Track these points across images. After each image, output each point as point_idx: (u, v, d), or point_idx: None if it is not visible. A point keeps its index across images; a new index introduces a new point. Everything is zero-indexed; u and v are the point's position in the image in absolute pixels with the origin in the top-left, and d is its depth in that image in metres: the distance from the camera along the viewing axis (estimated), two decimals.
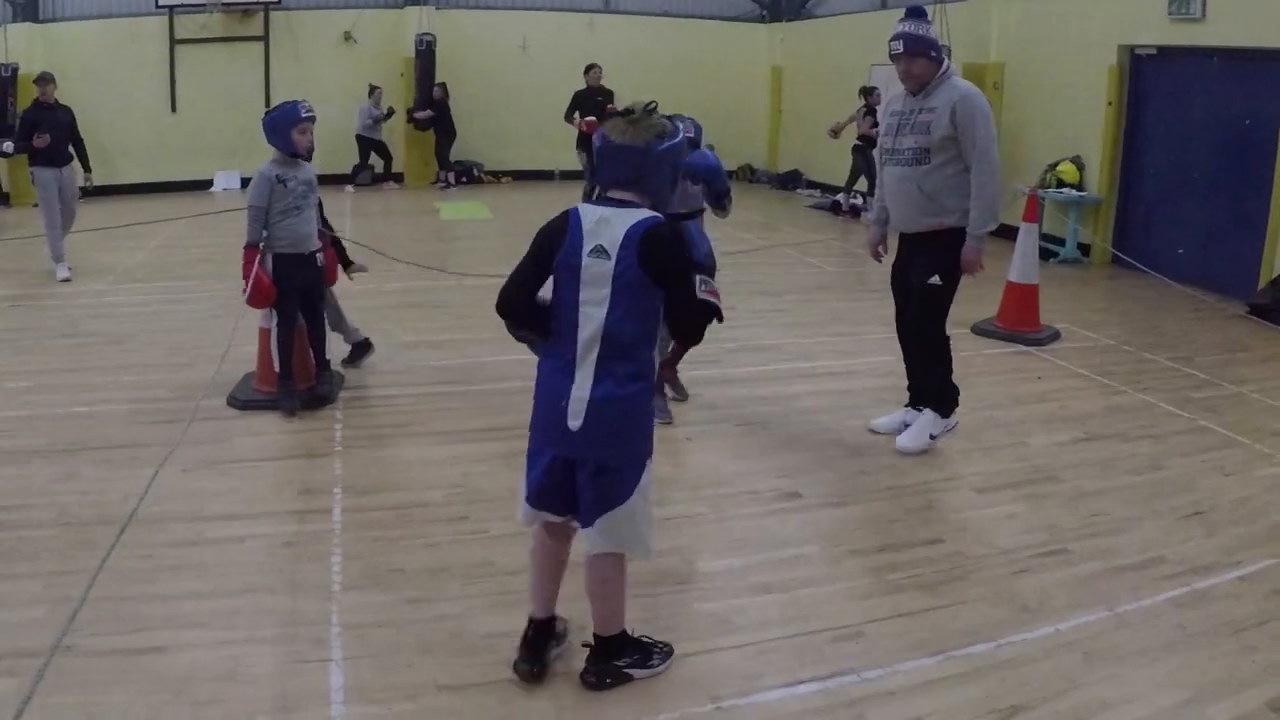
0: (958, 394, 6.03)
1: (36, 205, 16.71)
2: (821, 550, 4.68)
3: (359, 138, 18.34)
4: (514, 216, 14.59)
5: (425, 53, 18.57)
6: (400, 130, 18.90)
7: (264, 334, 6.68)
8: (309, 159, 6.48)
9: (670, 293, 3.29)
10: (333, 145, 18.31)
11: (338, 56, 18.81)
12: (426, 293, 9.91)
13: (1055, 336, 8.52)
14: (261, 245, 6.35)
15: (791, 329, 8.78)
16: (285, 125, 6.29)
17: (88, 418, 6.38)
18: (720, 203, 6.29)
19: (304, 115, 6.31)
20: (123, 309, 9.41)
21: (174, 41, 18.21)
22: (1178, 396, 7.03)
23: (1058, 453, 5.95)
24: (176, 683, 3.55)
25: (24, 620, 3.97)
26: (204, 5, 17.84)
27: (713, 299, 3.34)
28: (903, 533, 4.87)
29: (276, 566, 4.47)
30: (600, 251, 3.27)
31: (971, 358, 7.73)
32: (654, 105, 3.42)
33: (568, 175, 18.81)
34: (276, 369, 6.53)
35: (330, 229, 6.98)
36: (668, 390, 6.51)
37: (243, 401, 6.62)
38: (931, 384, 5.98)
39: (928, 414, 5.94)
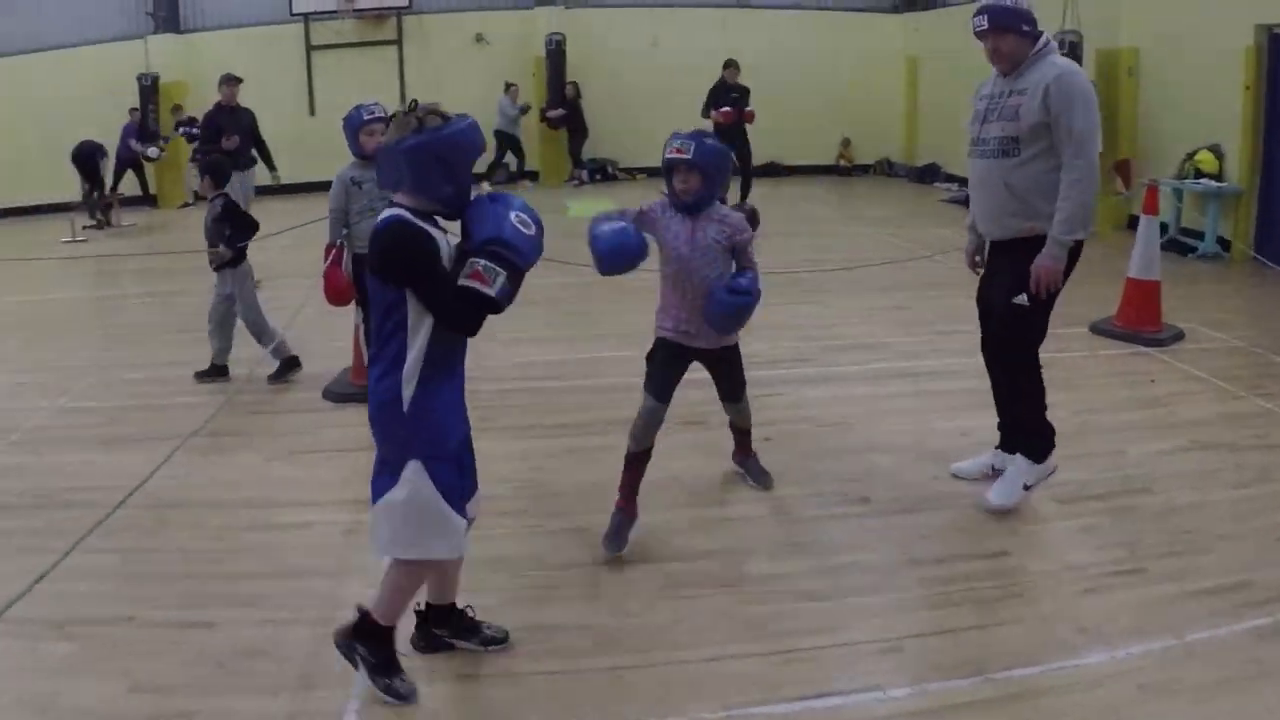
0: (1053, 433, 5.00)
1: (186, 205, 17.59)
2: (879, 558, 4.53)
3: (497, 133, 18.61)
4: None
5: (555, 52, 18.80)
6: (534, 129, 19.15)
7: (357, 330, 6.80)
8: (373, 158, 6.51)
9: (411, 291, 3.15)
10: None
11: (470, 58, 19.19)
12: (537, 289, 9.93)
13: (1178, 337, 8.05)
14: (342, 245, 6.46)
15: (901, 327, 8.53)
16: (353, 129, 6.43)
17: (190, 408, 6.66)
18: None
19: (367, 118, 6.40)
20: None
21: (310, 47, 18.83)
22: None
23: (1156, 462, 5.60)
24: (216, 656, 3.78)
25: (96, 591, 4.31)
26: (336, 12, 18.35)
27: (475, 284, 3.13)
28: (967, 544, 4.65)
29: (332, 552, 4.64)
30: None
31: (1084, 358, 7.43)
32: (415, 104, 3.27)
33: None
34: (365, 364, 6.63)
35: None
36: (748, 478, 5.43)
37: (336, 395, 6.85)
38: (1021, 423, 5.09)
39: (1020, 462, 4.99)
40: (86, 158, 15.91)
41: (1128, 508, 5.00)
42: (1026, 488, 4.93)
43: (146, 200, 18.14)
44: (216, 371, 7.38)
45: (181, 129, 17.00)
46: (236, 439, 6.15)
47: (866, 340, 8.11)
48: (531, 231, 3.23)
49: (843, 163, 20.71)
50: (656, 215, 4.66)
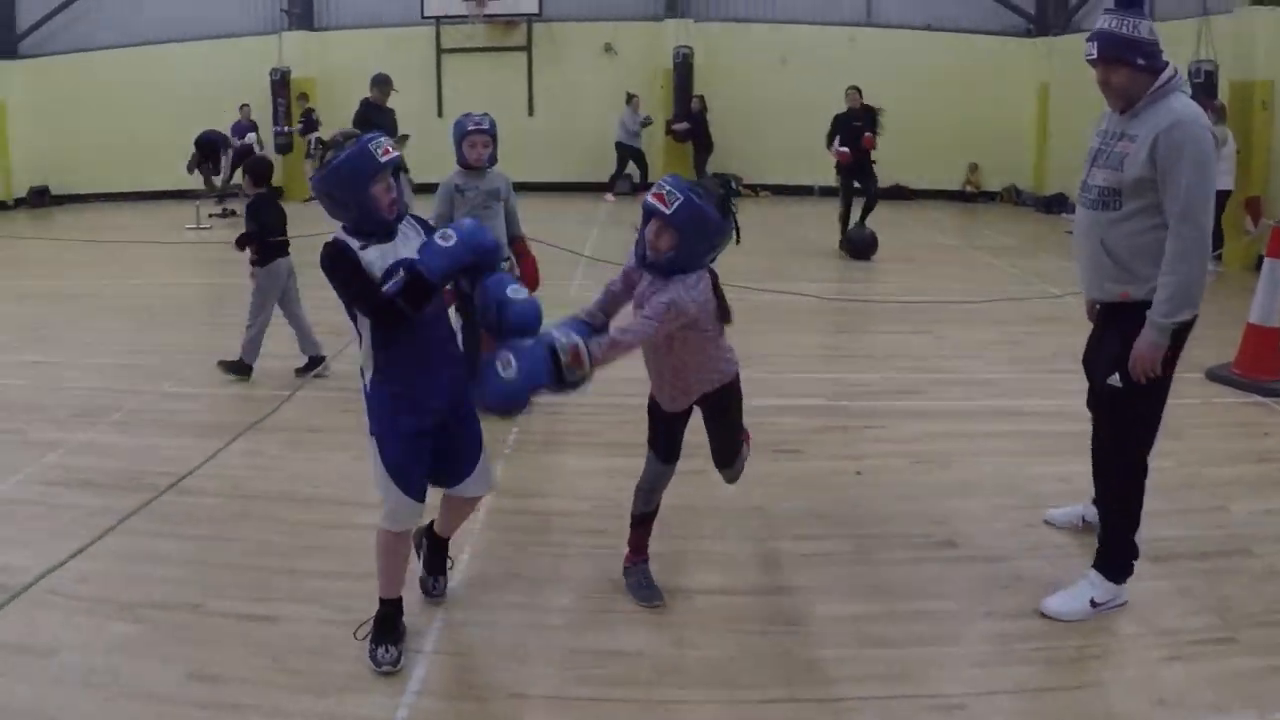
0: (1136, 556, 4.33)
1: (311, 199, 17.96)
2: (956, 608, 4.30)
3: (618, 145, 18.71)
4: (757, 230, 14.42)
5: (682, 65, 18.81)
6: (658, 141, 19.16)
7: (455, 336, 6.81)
8: (484, 168, 6.50)
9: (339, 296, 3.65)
10: (593, 154, 18.85)
11: (598, 67, 19.32)
12: None
13: None
14: None
15: (1013, 363, 8.25)
16: (456, 138, 6.45)
17: (287, 400, 6.83)
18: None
19: (470, 128, 6.41)
20: None
21: (440, 50, 19.14)
22: None
23: (1261, 522, 5.24)
24: (274, 651, 3.84)
25: (168, 575, 4.43)
26: (467, 17, 18.61)
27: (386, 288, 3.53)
28: None
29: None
30: None
31: (1197, 406, 7.06)
32: (337, 136, 3.68)
33: (827, 191, 18.51)
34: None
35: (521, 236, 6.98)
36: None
37: None
38: (1105, 527, 4.37)
39: (1092, 575, 4.31)
40: (206, 145, 16.43)
41: (1225, 570, 4.68)
42: (1094, 605, 4.23)
43: (272, 192, 18.52)
44: (310, 365, 7.54)
45: (290, 129, 17.47)
46: (329, 435, 6.25)
47: (975, 375, 7.85)
48: (449, 244, 3.57)
49: (969, 189, 20.27)
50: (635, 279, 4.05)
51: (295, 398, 6.84)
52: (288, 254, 7.49)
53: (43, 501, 5.25)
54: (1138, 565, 4.55)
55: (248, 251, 7.35)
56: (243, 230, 7.32)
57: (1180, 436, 6.28)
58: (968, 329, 9.27)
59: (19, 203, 19.61)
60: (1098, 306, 4.43)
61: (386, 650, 3.75)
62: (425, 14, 18.88)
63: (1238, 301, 8.83)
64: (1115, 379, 4.13)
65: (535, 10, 18.99)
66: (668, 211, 3.75)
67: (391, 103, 11.72)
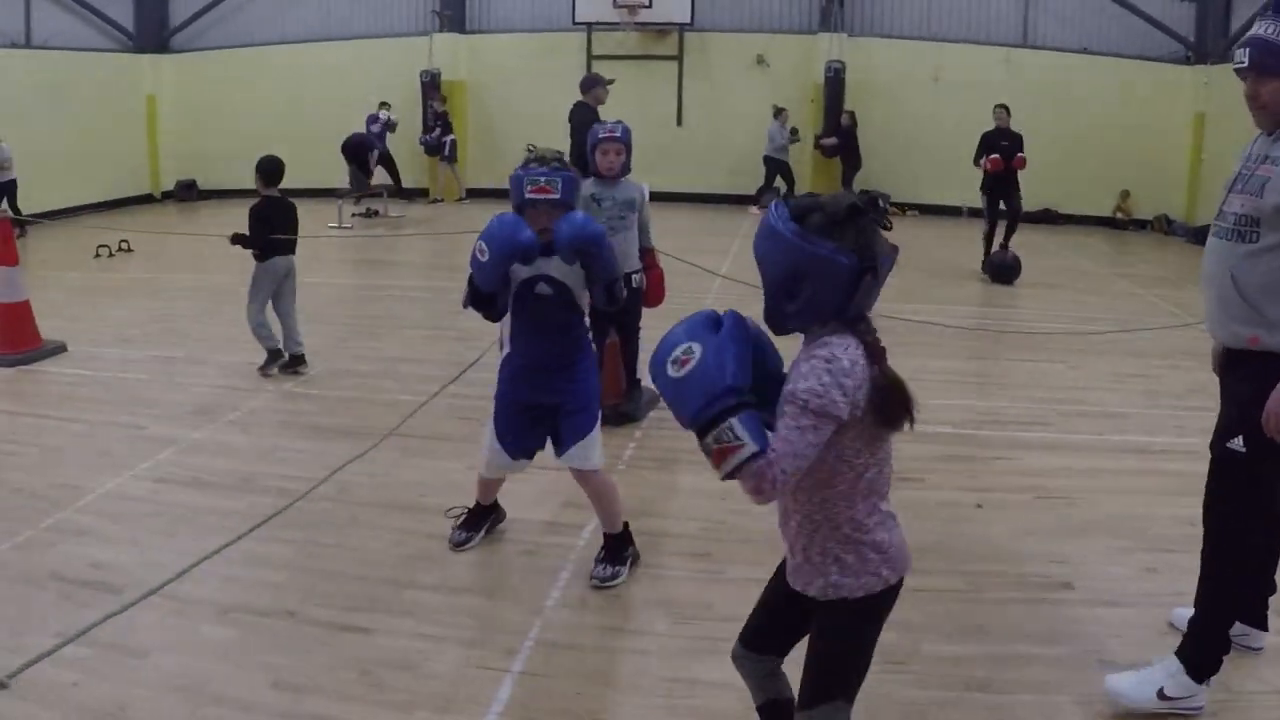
0: (1226, 650, 3.70)
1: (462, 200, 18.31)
2: (1066, 654, 4.08)
3: (766, 159, 18.61)
4: (905, 252, 14.11)
5: (834, 79, 18.63)
6: (807, 156, 18.99)
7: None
8: (618, 177, 6.50)
9: None
10: (741, 166, 18.83)
11: (749, 79, 19.29)
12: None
13: None
14: None
15: (1147, 397, 7.87)
16: (590, 147, 6.44)
17: (408, 405, 6.86)
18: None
19: (602, 136, 6.40)
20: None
21: (591, 57, 19.30)
22: None
23: None
24: (363, 664, 3.82)
25: (266, 580, 4.47)
26: (619, 24, 18.72)
27: None
28: (1168, 649, 3.97)
29: (506, 572, 4.65)
30: None
31: None
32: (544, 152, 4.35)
33: (975, 213, 18.09)
34: None
35: (651, 249, 6.95)
36: None
37: None
38: (1199, 612, 3.75)
39: (1169, 662, 3.70)
40: (355, 149, 16.80)
41: None
42: (1163, 697, 3.63)
43: (400, 193, 18.96)
44: (291, 362, 7.76)
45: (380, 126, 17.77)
46: (444, 443, 6.28)
47: (1108, 408, 7.51)
48: (484, 258, 4.09)
49: (1120, 215, 19.57)
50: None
51: (415, 402, 6.87)
52: (289, 254, 7.68)
53: (152, 499, 5.37)
54: (1272, 619, 4.28)
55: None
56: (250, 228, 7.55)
57: None
58: (1105, 360, 8.92)
59: (166, 196, 20.34)
60: (1223, 352, 3.80)
61: (462, 533, 4.85)
62: (577, 20, 19.07)
63: None
64: (1238, 442, 3.51)
65: (687, 19, 19.03)
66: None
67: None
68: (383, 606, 4.26)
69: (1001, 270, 12.69)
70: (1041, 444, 6.65)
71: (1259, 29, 3.51)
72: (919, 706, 3.69)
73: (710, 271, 9.67)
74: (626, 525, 4.66)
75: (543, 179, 4.18)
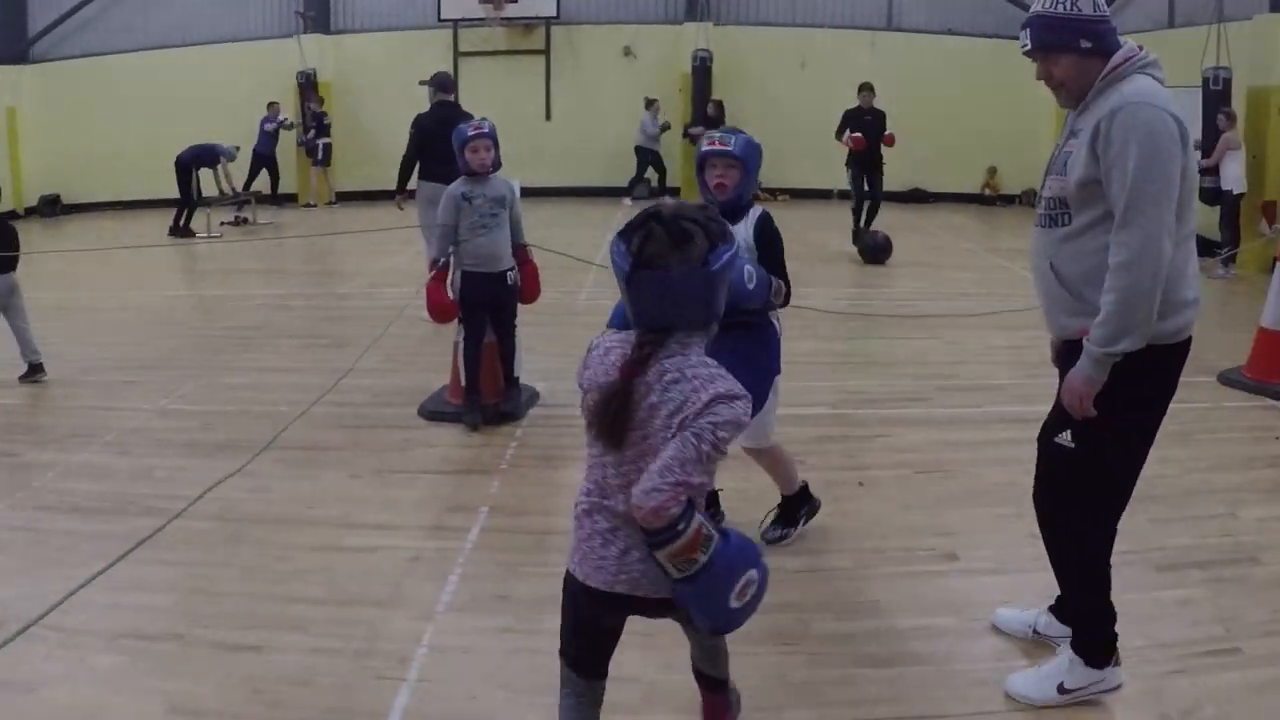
0: (1113, 630, 3.59)
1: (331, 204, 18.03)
2: (956, 623, 4.16)
3: (638, 149, 18.67)
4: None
5: (700, 69, 18.74)
6: (677, 145, 19.09)
7: (456, 348, 6.77)
8: (489, 174, 6.45)
9: None
10: (611, 158, 18.84)
11: (617, 71, 19.30)
12: None
13: None
14: (445, 262, 6.44)
15: (1023, 368, 8.04)
16: (459, 146, 6.39)
17: (284, 418, 6.70)
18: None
19: (470, 134, 6.35)
20: (363, 312, 9.80)
21: (458, 54, 19.15)
22: None
23: (1269, 529, 5.09)
24: (256, 682, 3.72)
25: (152, 604, 4.32)
26: (484, 20, 18.62)
27: None
28: None
29: (393, 580, 4.55)
30: None
31: (1207, 410, 6.93)
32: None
33: (846, 195, 18.41)
34: (463, 383, 6.61)
35: (523, 245, 6.90)
36: None
37: (430, 412, 6.83)
38: (1073, 605, 3.74)
39: (1065, 654, 3.62)
40: (186, 165, 15.83)
41: (1231, 579, 4.55)
42: (1063, 691, 3.56)
43: (276, 199, 18.64)
44: (30, 371, 7.73)
45: (284, 121, 17.50)
46: (326, 453, 6.17)
47: (984, 381, 7.74)
48: None
49: (988, 192, 20.15)
50: None
51: (293, 415, 6.72)
52: (8, 272, 7.63)
53: (33, 528, 5.17)
54: (1142, 576, 4.49)
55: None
56: None
57: (1188, 442, 6.19)
58: (977, 334, 9.16)
59: (30, 212, 19.39)
60: (1059, 344, 3.59)
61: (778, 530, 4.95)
62: (442, 17, 18.89)
63: (1251, 304, 8.70)
64: (1065, 436, 3.38)
65: (553, 13, 19.00)
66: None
67: (409, 107, 11.08)
68: (271, 623, 4.15)
69: (874, 251, 12.95)
70: (919, 420, 6.81)
71: (1037, 5, 3.33)
72: (813, 686, 3.73)
73: (585, 261, 9.63)
74: (805, 485, 4.95)
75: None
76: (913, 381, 7.69)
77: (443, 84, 9.63)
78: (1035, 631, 4.02)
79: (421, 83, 10.13)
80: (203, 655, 3.93)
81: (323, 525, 5.11)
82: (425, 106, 9.55)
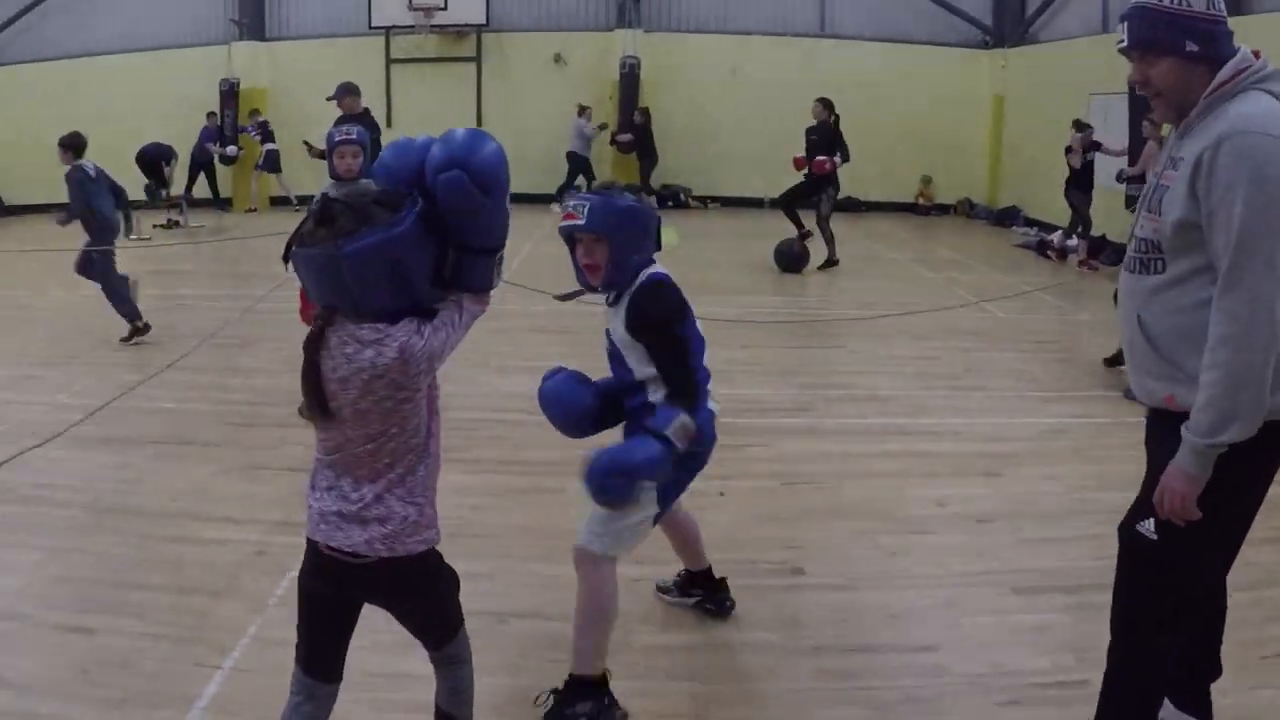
0: None
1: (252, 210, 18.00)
2: (781, 640, 4.10)
3: (570, 155, 18.66)
4: (699, 246, 14.53)
5: (629, 75, 18.84)
6: (606, 152, 19.13)
7: None
8: (356, 179, 6.43)
9: None
10: (542, 164, 18.83)
11: (548, 78, 19.37)
12: (556, 316, 9.65)
13: None
14: None
15: (919, 379, 8.15)
16: (328, 150, 6.48)
17: (181, 414, 6.92)
18: None
19: (338, 140, 6.46)
20: (271, 315, 9.70)
21: (390, 61, 19.17)
22: None
23: None
24: (83, 663, 3.90)
25: (7, 586, 4.52)
26: (414, 27, 18.66)
27: None
28: (891, 633, 4.19)
29: (233, 572, 4.67)
30: None
31: (1105, 425, 6.90)
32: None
33: (777, 204, 18.48)
34: None
35: None
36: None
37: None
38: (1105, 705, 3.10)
39: None
40: (151, 159, 16.41)
41: (1096, 604, 4.08)
42: None
43: (218, 203, 18.67)
44: None
45: (249, 129, 17.46)
46: (203, 448, 6.30)
47: (876, 392, 7.78)
48: None
49: (922, 201, 20.30)
50: None
51: (191, 412, 6.92)
52: None
53: None
54: (1001, 600, 4.43)
55: None
56: None
57: (1081, 459, 6.22)
58: (883, 344, 9.23)
59: None
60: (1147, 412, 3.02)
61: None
62: (373, 24, 18.93)
63: None
64: (1148, 525, 2.83)
65: (483, 20, 19.06)
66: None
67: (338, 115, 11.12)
68: (111, 609, 4.30)
69: (789, 259, 12.98)
70: (798, 430, 6.85)
71: None
72: (621, 698, 3.62)
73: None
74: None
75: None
76: (801, 391, 7.76)
77: (350, 91, 10.13)
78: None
79: (328, 99, 10.36)
80: (42, 636, 4.10)
81: (180, 517, 5.25)
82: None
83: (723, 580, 4.29)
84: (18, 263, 12.94)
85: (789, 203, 13.49)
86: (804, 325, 10.00)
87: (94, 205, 8.76)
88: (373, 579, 2.72)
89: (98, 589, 4.48)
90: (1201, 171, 2.58)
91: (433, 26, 18.94)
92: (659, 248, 3.56)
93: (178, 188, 17.56)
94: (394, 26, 19.08)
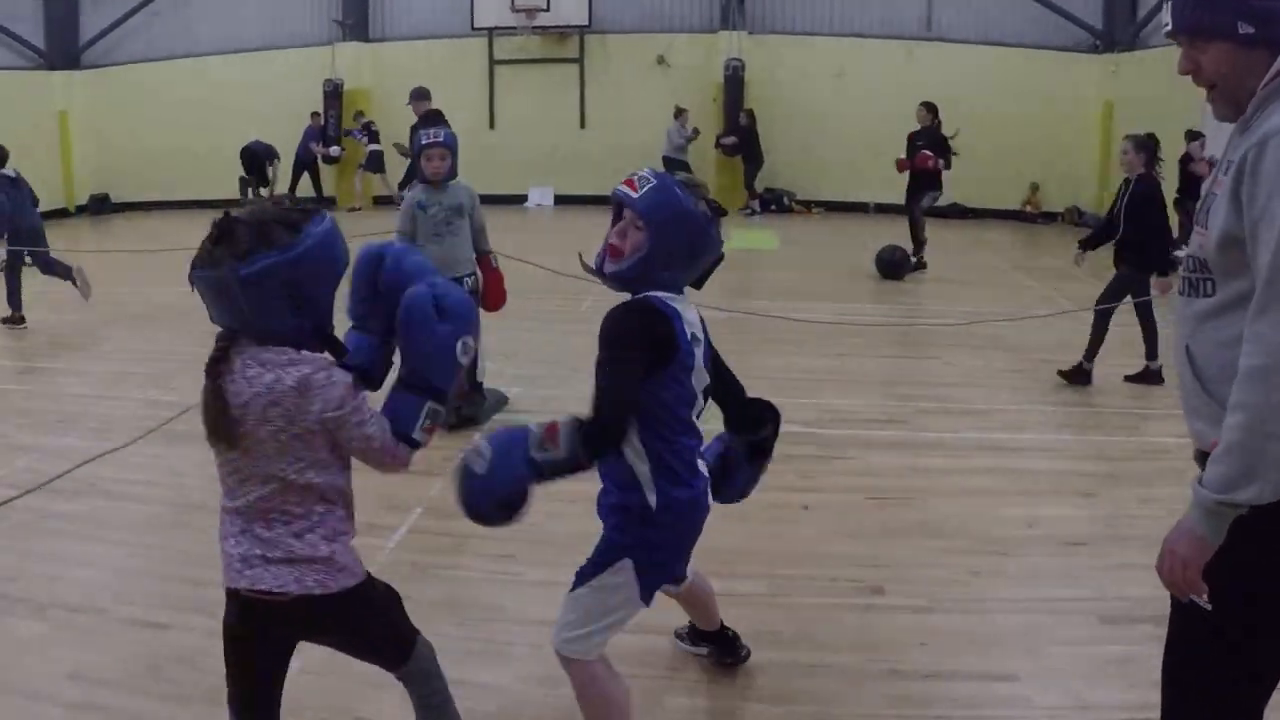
0: None
1: (356, 209, 18.23)
2: (856, 662, 3.96)
3: (665, 159, 18.56)
4: (799, 250, 14.34)
5: (733, 78, 18.71)
6: (708, 155, 18.99)
7: None
8: (444, 182, 6.44)
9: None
10: (644, 167, 18.74)
11: (651, 80, 19.34)
12: None
13: None
14: None
15: (1015, 392, 7.89)
16: (416, 154, 6.49)
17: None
18: None
19: (424, 142, 6.45)
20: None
21: (493, 62, 19.30)
22: None
23: None
24: (153, 658, 4.00)
25: (91, 579, 4.68)
26: (517, 29, 18.76)
27: None
28: (975, 659, 3.99)
29: None
30: (697, 340, 3.04)
31: (1177, 443, 6.62)
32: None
33: (883, 209, 18.21)
34: None
35: (487, 252, 6.82)
36: None
37: None
38: None
39: None
40: (256, 156, 16.79)
41: None
42: None
43: (321, 202, 19.07)
44: None
45: (355, 133, 17.72)
46: None
47: (972, 405, 7.53)
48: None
49: (1029, 209, 19.81)
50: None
51: None
52: None
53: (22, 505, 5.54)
54: (1086, 629, 4.22)
55: None
56: None
57: (1180, 481, 5.93)
58: (980, 354, 8.97)
59: (80, 210, 20.26)
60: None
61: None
62: (476, 25, 19.06)
63: None
64: (1204, 597, 2.27)
65: (585, 22, 19.12)
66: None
67: (446, 116, 11.26)
68: (187, 605, 4.34)
69: (889, 266, 12.74)
70: (888, 442, 6.66)
71: None
72: (690, 715, 3.60)
73: (555, 272, 9.46)
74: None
75: None
76: (894, 402, 7.56)
77: (422, 95, 10.38)
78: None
79: (407, 104, 10.65)
80: (118, 629, 4.21)
81: None
82: (458, 112, 9.92)
83: (735, 635, 3.94)
84: (122, 261, 13.24)
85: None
86: (901, 333, 9.78)
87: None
88: (303, 616, 2.63)
89: (174, 585, 4.56)
90: (1245, 175, 2.14)
91: (535, 28, 19.05)
92: (698, 285, 3.14)
93: (280, 187, 17.94)
94: (497, 28, 19.24)
